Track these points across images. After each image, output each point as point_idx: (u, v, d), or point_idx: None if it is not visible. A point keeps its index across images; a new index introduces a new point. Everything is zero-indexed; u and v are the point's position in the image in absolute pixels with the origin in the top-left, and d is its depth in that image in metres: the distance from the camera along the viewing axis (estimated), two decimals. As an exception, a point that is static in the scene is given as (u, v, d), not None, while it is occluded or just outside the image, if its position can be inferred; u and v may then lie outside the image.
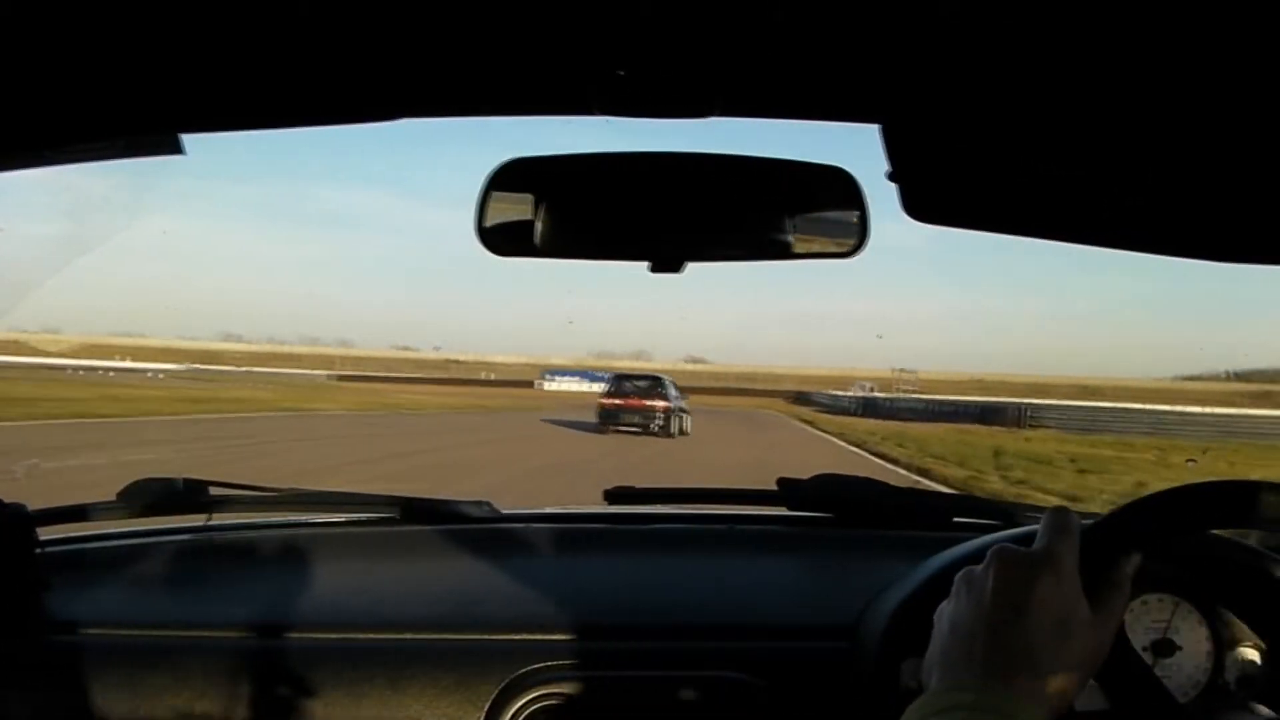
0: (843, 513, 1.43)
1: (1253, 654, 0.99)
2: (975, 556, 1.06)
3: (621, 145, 0.85)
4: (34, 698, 1.05)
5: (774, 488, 1.46)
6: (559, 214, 0.90)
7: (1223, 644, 0.99)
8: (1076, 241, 0.85)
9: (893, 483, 1.48)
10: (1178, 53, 0.65)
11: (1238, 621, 0.99)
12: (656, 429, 19.44)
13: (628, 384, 20.58)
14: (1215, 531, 0.91)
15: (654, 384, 20.71)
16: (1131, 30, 0.63)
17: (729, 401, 45.90)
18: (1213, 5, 0.59)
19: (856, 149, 0.92)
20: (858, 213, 0.89)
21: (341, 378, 69.28)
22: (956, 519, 1.40)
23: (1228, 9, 0.60)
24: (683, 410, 20.79)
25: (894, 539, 1.36)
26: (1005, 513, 1.36)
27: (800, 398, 62.11)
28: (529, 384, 70.26)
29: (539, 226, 0.90)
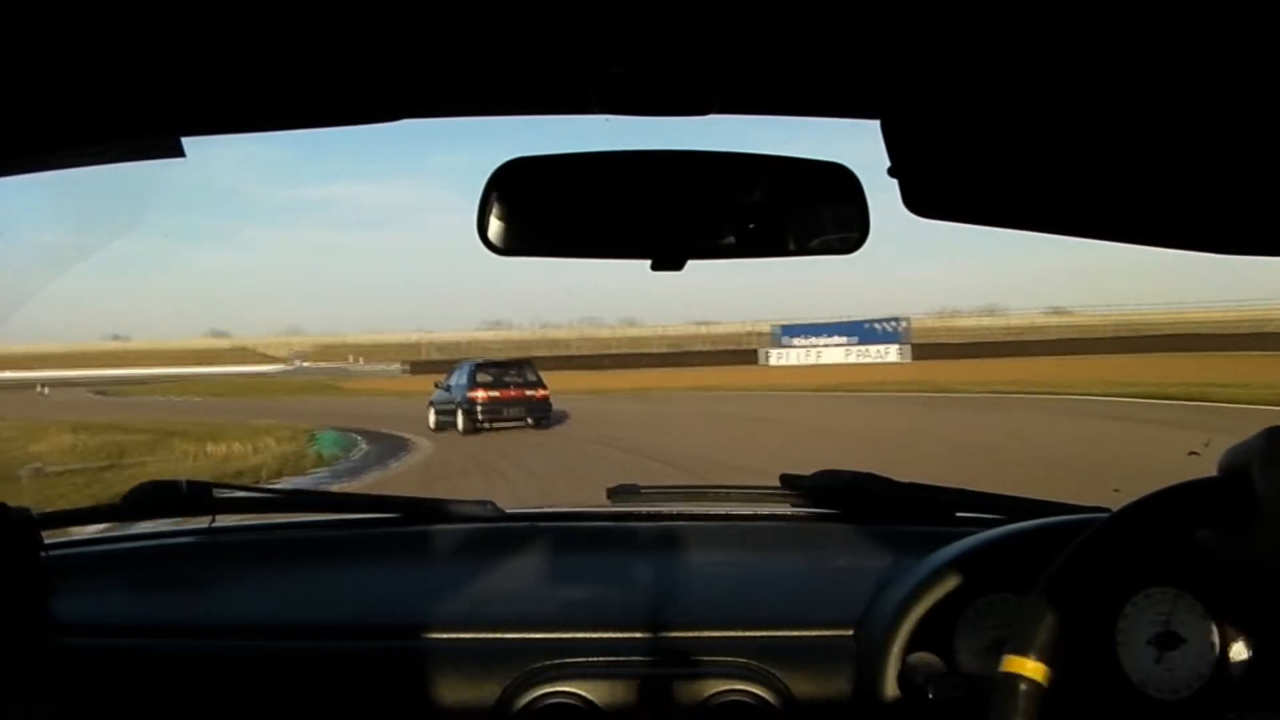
0: (846, 508, 1.43)
1: (1257, 646, 0.99)
2: (978, 552, 1.07)
3: (621, 144, 0.86)
4: (39, 701, 1.06)
5: (777, 484, 1.46)
6: (559, 213, 0.90)
7: (1227, 636, 0.99)
8: (1078, 235, 0.85)
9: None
10: (1176, 46, 0.65)
11: (1242, 614, 0.99)
12: (535, 421, 16.81)
13: (499, 373, 17.37)
14: None
15: (528, 369, 17.71)
16: (1130, 24, 0.63)
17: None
18: (1210, 1, 0.59)
19: (857, 144, 0.92)
20: (858, 208, 0.90)
21: (416, 367, 48.82)
22: (960, 514, 1.40)
23: (1225, 4, 0.60)
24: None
25: (897, 534, 1.36)
26: (1009, 507, 1.36)
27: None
28: (751, 356, 41.64)
29: (539, 226, 0.90)
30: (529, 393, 17.27)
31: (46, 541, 1.19)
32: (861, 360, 37.15)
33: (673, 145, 0.86)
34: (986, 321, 58.78)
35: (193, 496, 1.37)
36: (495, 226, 0.89)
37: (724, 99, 0.80)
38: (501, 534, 1.41)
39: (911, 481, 1.45)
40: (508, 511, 1.47)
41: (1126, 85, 0.70)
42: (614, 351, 50.26)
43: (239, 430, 15.81)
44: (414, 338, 68.41)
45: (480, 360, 18.38)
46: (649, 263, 0.91)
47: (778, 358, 40.61)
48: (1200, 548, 0.73)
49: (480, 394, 16.85)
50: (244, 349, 74.08)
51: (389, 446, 14.39)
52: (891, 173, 0.80)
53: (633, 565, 1.32)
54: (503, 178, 0.88)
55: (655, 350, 49.20)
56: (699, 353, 45.57)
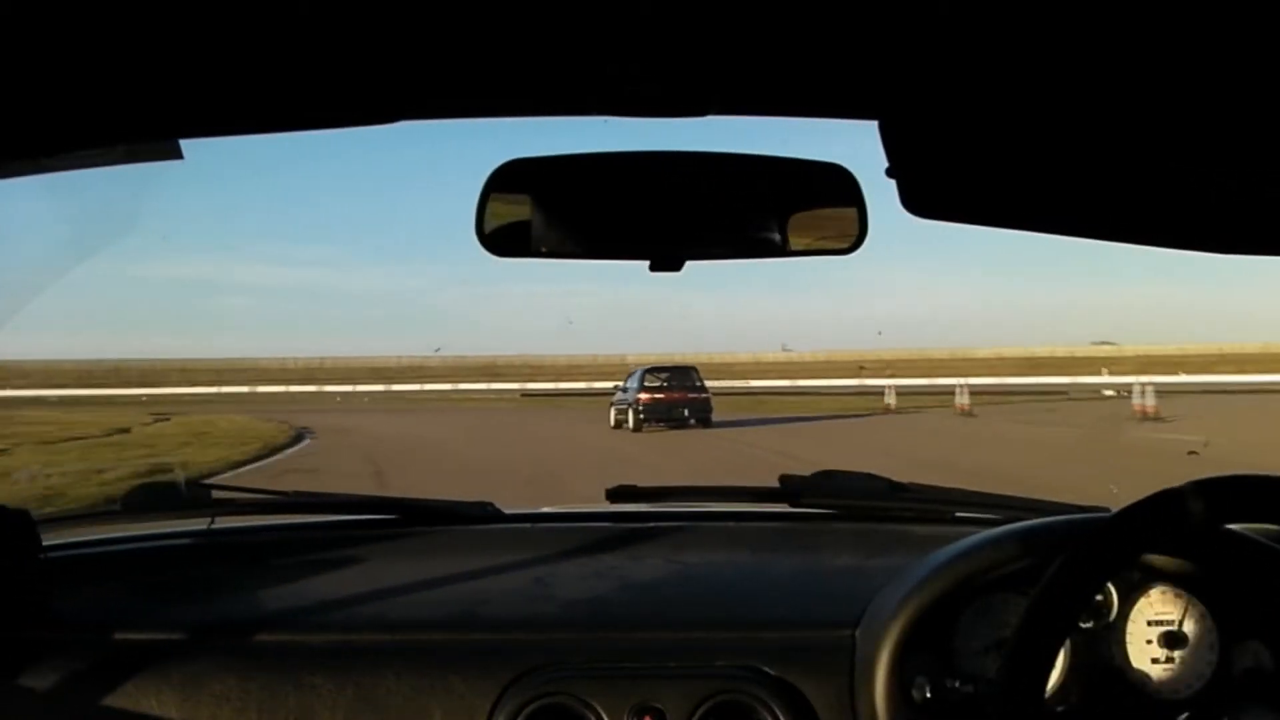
0: (844, 509, 1.43)
1: (1260, 647, 0.99)
2: (978, 552, 1.07)
3: (620, 145, 0.86)
4: (39, 702, 1.05)
5: (776, 484, 1.46)
6: (558, 214, 0.90)
7: (1230, 637, 0.99)
8: (1075, 235, 0.85)
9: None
10: (1173, 47, 0.65)
11: (1245, 615, 0.99)
12: (696, 422, 18.86)
13: (665, 377, 19.83)
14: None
15: (691, 374, 20.25)
16: (1128, 25, 0.63)
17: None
18: (1208, 1, 0.59)
19: (856, 145, 0.92)
20: (856, 209, 0.90)
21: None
22: (959, 514, 1.40)
23: (1223, 5, 0.60)
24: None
25: (895, 534, 1.36)
26: (1008, 507, 1.36)
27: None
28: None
29: (539, 227, 0.90)
30: (691, 395, 19.48)
31: (46, 543, 1.19)
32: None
33: (672, 146, 0.86)
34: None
35: (192, 497, 1.37)
36: (493, 227, 0.89)
37: (723, 99, 0.80)
38: (500, 535, 1.41)
39: (911, 481, 1.45)
40: (507, 512, 1.47)
41: (1125, 85, 0.70)
42: None
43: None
44: None
45: (650, 365, 20.83)
46: (648, 264, 0.91)
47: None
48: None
49: (644, 396, 19.05)
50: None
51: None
52: (890, 173, 0.80)
53: (632, 566, 1.32)
54: (501, 178, 0.88)
55: None
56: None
